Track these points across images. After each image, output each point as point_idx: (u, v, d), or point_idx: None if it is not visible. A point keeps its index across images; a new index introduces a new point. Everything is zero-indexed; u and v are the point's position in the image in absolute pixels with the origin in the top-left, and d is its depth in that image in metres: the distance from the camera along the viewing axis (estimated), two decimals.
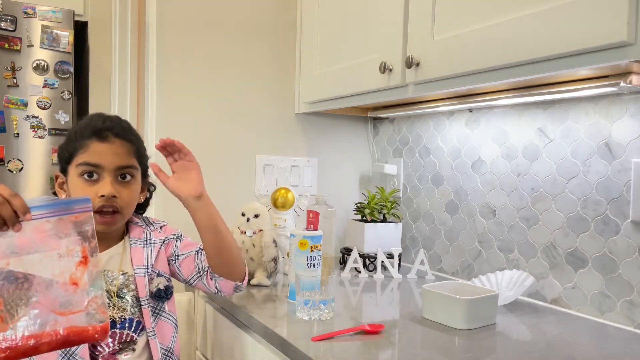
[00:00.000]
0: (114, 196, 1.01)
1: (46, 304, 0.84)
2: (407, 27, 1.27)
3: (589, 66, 0.92)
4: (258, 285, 1.41)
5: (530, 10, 0.97)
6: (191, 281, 1.13)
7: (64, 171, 1.06)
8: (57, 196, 1.09)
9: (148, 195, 1.19)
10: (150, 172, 1.16)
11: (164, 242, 1.15)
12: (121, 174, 1.04)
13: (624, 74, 1.01)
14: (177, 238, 1.17)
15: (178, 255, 1.14)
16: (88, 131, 1.03)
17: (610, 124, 1.19)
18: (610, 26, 0.84)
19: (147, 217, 1.19)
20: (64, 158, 1.05)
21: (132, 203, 1.07)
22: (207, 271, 1.10)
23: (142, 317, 1.07)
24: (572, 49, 0.90)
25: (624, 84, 1.01)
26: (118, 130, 1.04)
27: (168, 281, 1.13)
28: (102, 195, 1.00)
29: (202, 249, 1.11)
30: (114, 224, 1.04)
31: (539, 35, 0.95)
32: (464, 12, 1.12)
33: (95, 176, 1.01)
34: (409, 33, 1.26)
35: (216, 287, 1.10)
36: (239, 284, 1.10)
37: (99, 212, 1.00)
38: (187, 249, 1.14)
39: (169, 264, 1.14)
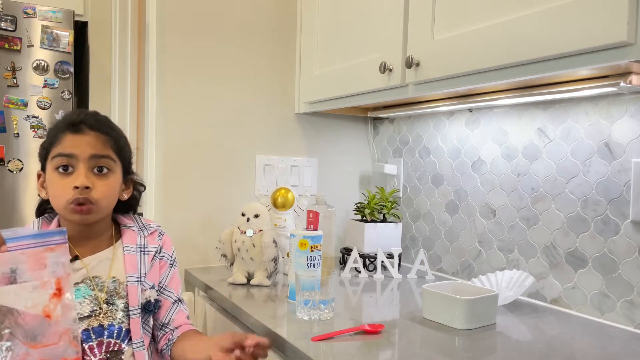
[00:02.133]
0: (87, 187, 0.98)
1: (19, 336, 0.84)
2: (407, 27, 1.27)
3: (589, 66, 0.92)
4: (258, 285, 1.41)
5: (530, 10, 0.97)
6: (155, 323, 1.12)
7: (43, 169, 1.05)
8: (39, 195, 1.07)
9: (136, 195, 1.16)
10: (135, 167, 1.15)
11: (158, 252, 1.12)
12: (97, 167, 1.01)
13: (624, 74, 1.01)
14: (171, 264, 1.15)
15: (164, 288, 1.13)
16: (62, 125, 1.02)
17: (610, 124, 1.19)
18: (610, 26, 0.84)
19: (139, 218, 1.16)
20: (42, 155, 1.04)
21: (109, 196, 1.03)
22: (167, 333, 1.11)
23: (130, 326, 1.03)
24: (572, 49, 0.90)
25: (624, 84, 1.01)
26: (92, 122, 1.02)
27: (158, 294, 1.10)
28: (76, 187, 0.97)
29: (181, 301, 1.15)
30: (89, 214, 1.00)
31: (539, 35, 0.95)
32: (464, 12, 1.12)
33: (70, 169, 0.99)
34: (409, 33, 1.27)
35: (161, 351, 1.11)
36: None
37: (73, 203, 0.98)
38: (171, 288, 1.14)
39: None
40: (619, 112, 1.18)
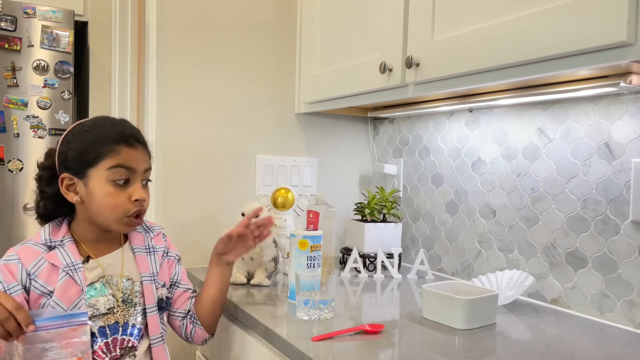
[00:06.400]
0: (145, 200, 1.04)
1: None
2: (407, 27, 1.27)
3: (588, 66, 0.92)
4: (258, 285, 1.41)
5: (530, 10, 0.97)
6: (174, 314, 1.17)
7: (80, 174, 1.01)
8: (65, 197, 1.04)
9: None
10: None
11: (166, 253, 1.17)
12: (145, 179, 1.07)
13: (624, 74, 1.01)
14: (178, 260, 1.20)
15: (178, 282, 1.18)
16: (115, 136, 1.02)
17: (610, 124, 1.19)
18: (610, 26, 0.84)
19: (144, 221, 1.17)
20: (83, 161, 1.01)
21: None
22: (192, 316, 1.18)
23: (145, 324, 1.08)
24: (572, 49, 0.90)
25: (624, 84, 1.01)
26: (140, 137, 1.07)
27: (168, 292, 1.15)
28: (137, 200, 1.02)
29: (195, 294, 1.21)
30: (139, 225, 1.08)
31: (539, 35, 0.95)
32: (464, 12, 1.12)
33: (125, 181, 1.02)
34: (409, 33, 1.26)
35: (190, 333, 1.18)
36: (210, 338, 1.20)
37: (132, 216, 1.03)
38: (185, 282, 1.20)
39: None
40: (619, 112, 1.18)
